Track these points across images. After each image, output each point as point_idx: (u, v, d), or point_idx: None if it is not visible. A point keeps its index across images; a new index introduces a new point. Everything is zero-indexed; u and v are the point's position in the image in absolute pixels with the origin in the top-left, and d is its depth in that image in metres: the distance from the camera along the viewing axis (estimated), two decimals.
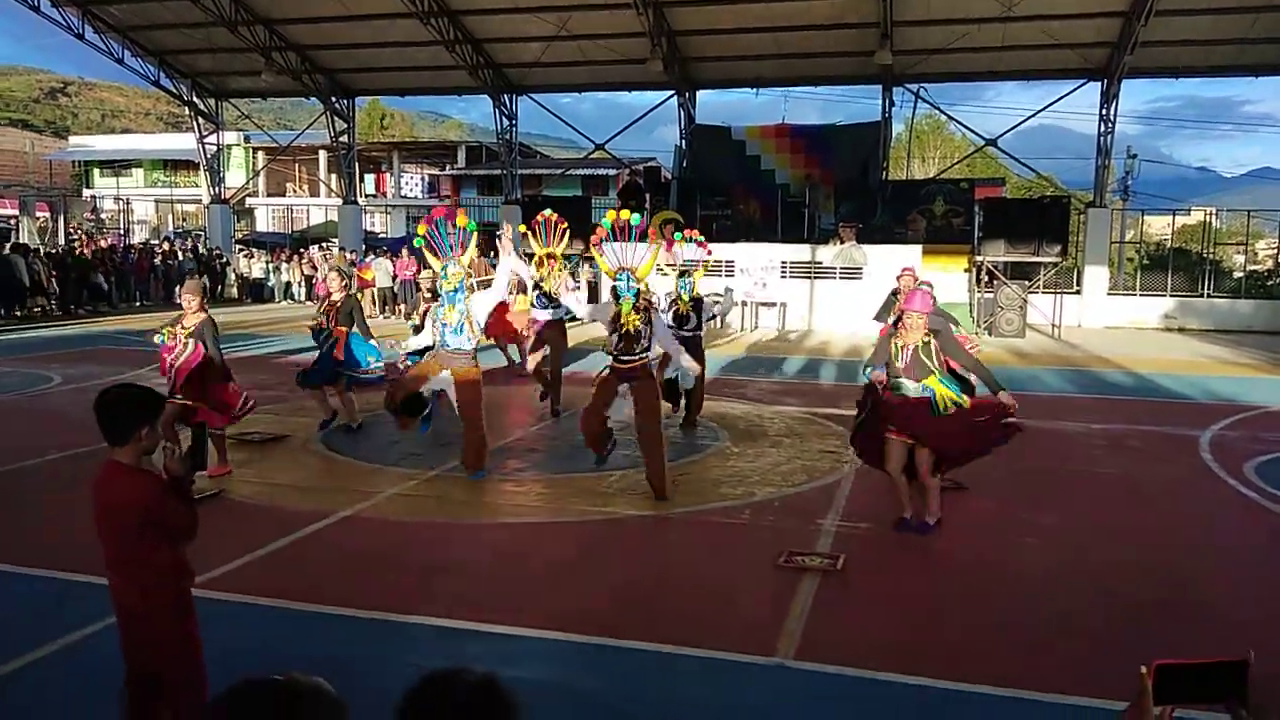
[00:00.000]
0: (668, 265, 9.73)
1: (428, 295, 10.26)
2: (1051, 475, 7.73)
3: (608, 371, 6.87)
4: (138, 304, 23.74)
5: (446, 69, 25.23)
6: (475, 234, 7.35)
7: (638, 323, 6.65)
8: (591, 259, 24.05)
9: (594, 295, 18.13)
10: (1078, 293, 23.09)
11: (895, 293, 9.17)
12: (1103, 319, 22.57)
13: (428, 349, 7.63)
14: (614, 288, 6.75)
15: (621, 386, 6.77)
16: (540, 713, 3.80)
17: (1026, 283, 20.52)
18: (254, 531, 5.80)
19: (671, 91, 25.63)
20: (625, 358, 6.74)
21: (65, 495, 6.47)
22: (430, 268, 7.54)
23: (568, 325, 10.15)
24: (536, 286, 9.82)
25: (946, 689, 3.97)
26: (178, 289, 6.83)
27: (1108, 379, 13.63)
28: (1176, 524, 6.50)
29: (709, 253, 9.89)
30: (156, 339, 7.09)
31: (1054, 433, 9.43)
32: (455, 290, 7.02)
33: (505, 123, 26.86)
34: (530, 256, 10.16)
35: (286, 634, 4.48)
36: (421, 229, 7.20)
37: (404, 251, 23.52)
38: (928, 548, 5.86)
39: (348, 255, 25.49)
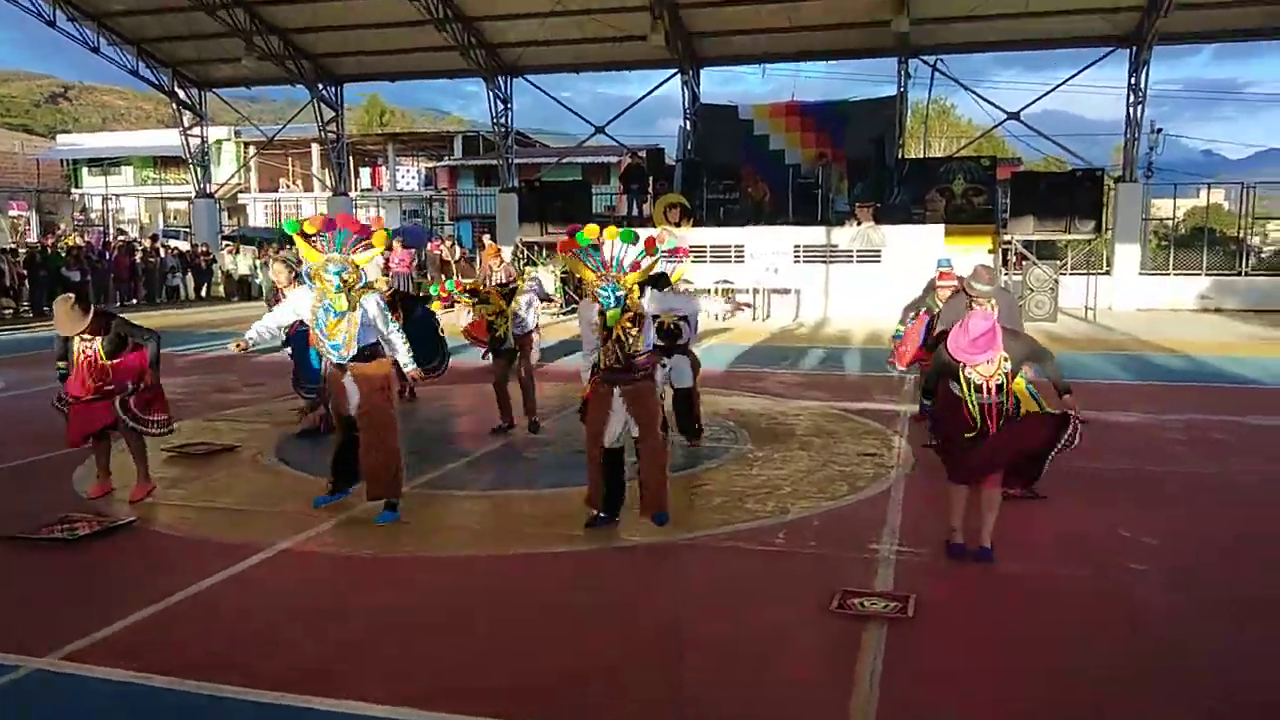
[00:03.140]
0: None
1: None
2: (1138, 477, 6.49)
3: (594, 378, 5.41)
4: (118, 304, 22.56)
5: (437, 50, 23.94)
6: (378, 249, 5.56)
7: (627, 325, 5.20)
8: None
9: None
10: (1107, 273, 21.78)
11: (930, 288, 7.95)
12: (1134, 301, 21.24)
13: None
14: (596, 294, 5.20)
15: (615, 393, 5.29)
16: None
17: (1057, 263, 19.20)
18: (159, 576, 4.57)
19: (674, 70, 24.37)
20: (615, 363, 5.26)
21: None
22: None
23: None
24: (490, 332, 8.00)
25: None
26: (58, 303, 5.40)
27: (1162, 364, 12.35)
28: None
29: (685, 255, 7.64)
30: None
31: (1122, 426, 8.19)
32: (346, 304, 5.32)
33: (500, 106, 25.59)
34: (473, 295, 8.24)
35: None
36: (309, 227, 5.37)
37: (397, 244, 22.26)
38: (1017, 578, 4.61)
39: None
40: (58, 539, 5.03)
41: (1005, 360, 4.60)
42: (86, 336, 5.60)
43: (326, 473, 5.85)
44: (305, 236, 5.33)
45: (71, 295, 5.73)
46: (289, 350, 7.99)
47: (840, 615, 4.05)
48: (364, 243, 5.38)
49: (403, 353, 5.56)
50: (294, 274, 7.55)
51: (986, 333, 4.49)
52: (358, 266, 5.36)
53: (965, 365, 4.60)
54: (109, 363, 5.66)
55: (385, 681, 3.52)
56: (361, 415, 5.44)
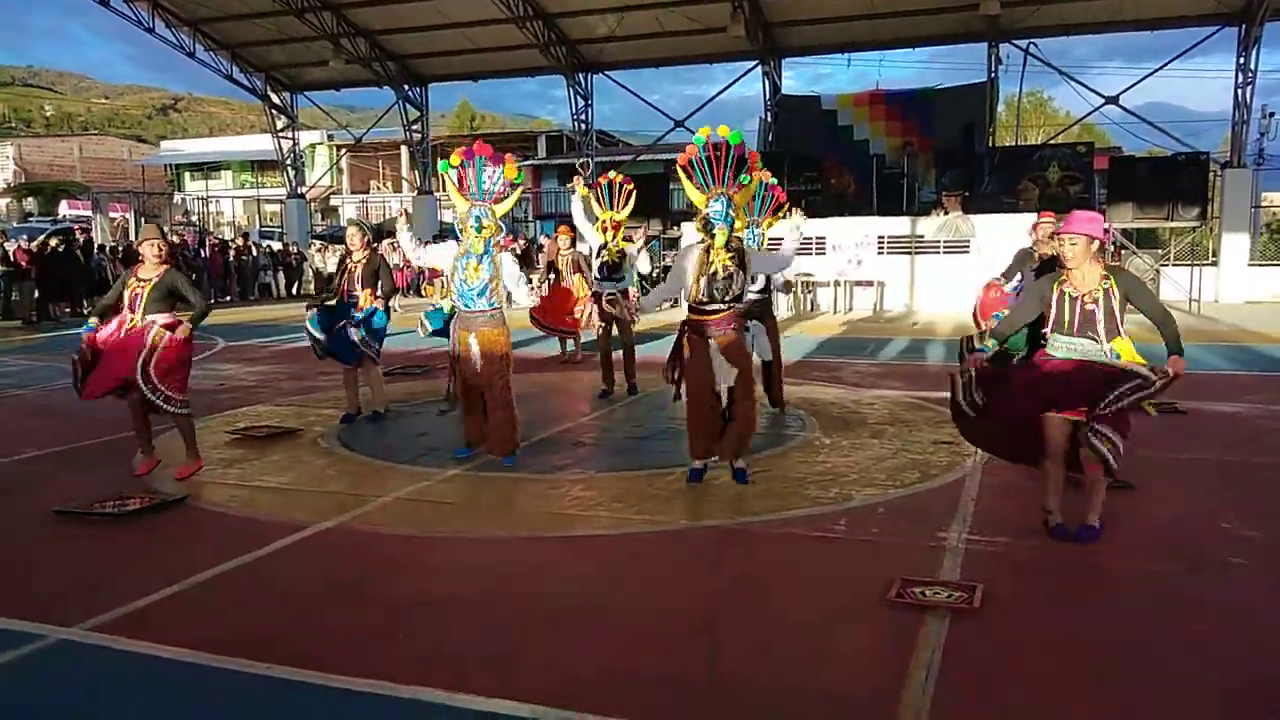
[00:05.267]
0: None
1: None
2: (1241, 470, 5.98)
3: (685, 331, 5.56)
4: (212, 300, 23.25)
5: (518, 48, 24.09)
6: (519, 189, 6.21)
7: (728, 262, 5.36)
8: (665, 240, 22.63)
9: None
10: (1213, 264, 20.60)
11: (1030, 249, 7.47)
12: (1243, 293, 20.00)
13: (447, 322, 6.44)
14: (705, 218, 5.41)
15: (711, 344, 5.43)
16: None
17: (1159, 252, 18.25)
18: (203, 551, 4.52)
19: (755, 62, 24.01)
20: (710, 307, 5.42)
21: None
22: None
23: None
24: (599, 255, 8.87)
25: None
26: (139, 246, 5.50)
27: (1271, 354, 11.55)
28: None
29: (784, 200, 7.72)
30: (84, 329, 5.83)
31: (1226, 416, 7.62)
32: (485, 248, 5.98)
33: (580, 103, 25.59)
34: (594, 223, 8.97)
35: (182, 699, 3.15)
36: (455, 159, 5.97)
37: None
38: (1098, 572, 4.23)
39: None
40: (107, 513, 5.03)
41: (1107, 279, 4.36)
42: (144, 278, 5.67)
43: (387, 454, 6.46)
44: (457, 178, 5.98)
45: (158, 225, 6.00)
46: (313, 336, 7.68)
47: (898, 605, 3.74)
48: (499, 193, 5.99)
49: (520, 294, 6.14)
50: (366, 237, 7.63)
51: (1079, 217, 4.47)
52: (496, 216, 6.00)
53: (1064, 279, 4.45)
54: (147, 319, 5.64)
55: (414, 663, 3.35)
56: (485, 380, 6.00)
